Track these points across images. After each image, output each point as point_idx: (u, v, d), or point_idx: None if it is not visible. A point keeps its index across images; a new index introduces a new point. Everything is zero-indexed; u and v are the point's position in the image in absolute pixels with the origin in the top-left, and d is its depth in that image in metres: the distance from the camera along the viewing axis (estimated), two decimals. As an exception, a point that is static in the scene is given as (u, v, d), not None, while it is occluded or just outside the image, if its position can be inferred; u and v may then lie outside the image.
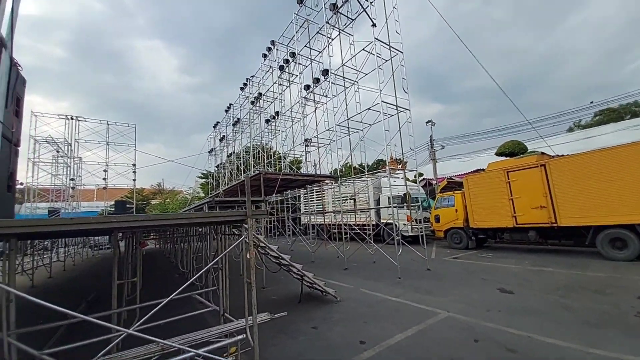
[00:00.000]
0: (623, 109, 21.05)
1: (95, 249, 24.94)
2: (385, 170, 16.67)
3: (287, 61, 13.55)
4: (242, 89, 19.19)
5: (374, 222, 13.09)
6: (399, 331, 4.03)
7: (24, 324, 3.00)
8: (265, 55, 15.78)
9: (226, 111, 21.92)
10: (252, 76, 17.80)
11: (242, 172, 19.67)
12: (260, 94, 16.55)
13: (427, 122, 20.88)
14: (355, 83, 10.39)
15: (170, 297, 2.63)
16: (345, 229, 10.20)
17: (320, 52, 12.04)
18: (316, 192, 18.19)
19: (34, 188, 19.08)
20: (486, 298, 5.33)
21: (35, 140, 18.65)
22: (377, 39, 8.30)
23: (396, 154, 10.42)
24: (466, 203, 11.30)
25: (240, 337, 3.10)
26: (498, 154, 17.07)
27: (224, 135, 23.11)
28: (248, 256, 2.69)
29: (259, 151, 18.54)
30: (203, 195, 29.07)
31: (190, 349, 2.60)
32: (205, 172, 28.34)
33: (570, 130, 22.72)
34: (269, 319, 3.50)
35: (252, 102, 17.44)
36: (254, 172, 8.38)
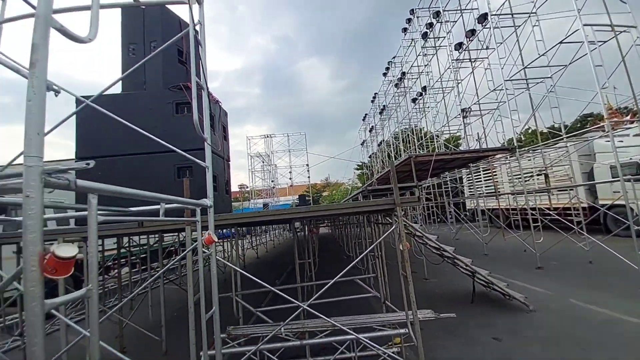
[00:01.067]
0: None
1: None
2: (602, 127, 11.36)
3: (430, 25, 11.91)
4: (384, 74, 18.87)
5: (585, 205, 9.18)
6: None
7: (249, 288, 4.24)
8: (405, 30, 14.66)
9: (372, 101, 22.34)
10: (394, 57, 17.07)
11: (394, 158, 19.45)
12: (403, 73, 15.59)
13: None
14: (532, 15, 7.59)
15: (334, 279, 2.85)
16: (534, 214, 7.71)
17: (473, -5, 9.69)
18: (483, 170, 15.09)
19: (254, 190, 27.33)
20: None
21: (250, 156, 26.69)
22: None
23: (617, 100, 6.75)
24: None
25: (402, 330, 2.96)
26: None
27: (372, 126, 23.73)
28: (400, 247, 2.47)
29: (408, 135, 17.64)
30: (360, 185, 31.37)
31: (353, 333, 2.73)
32: (360, 164, 30.32)
33: None
34: (434, 318, 3.12)
35: (396, 85, 16.74)
36: (404, 157, 7.91)
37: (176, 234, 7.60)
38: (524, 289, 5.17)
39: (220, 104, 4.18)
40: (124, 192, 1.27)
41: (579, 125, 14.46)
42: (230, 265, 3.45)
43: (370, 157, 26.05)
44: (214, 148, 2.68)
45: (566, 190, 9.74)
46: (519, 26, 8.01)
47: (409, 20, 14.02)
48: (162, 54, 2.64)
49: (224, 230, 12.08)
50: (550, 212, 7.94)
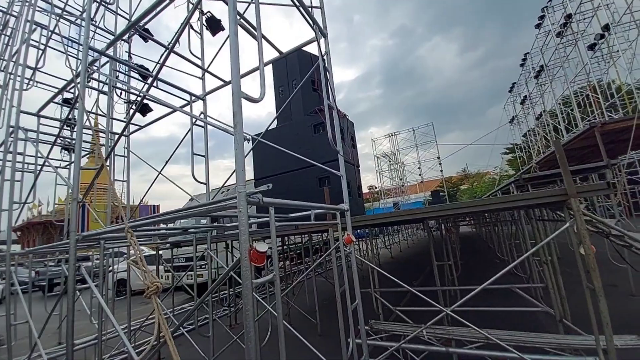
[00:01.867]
0: None
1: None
2: None
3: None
4: (537, 26, 14.71)
5: None
6: None
7: (386, 287, 4.40)
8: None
9: (521, 65, 17.84)
10: (549, 0, 13.07)
11: (566, 132, 14.60)
12: (569, 15, 11.62)
13: None
14: None
15: (484, 285, 2.54)
16: None
17: None
18: None
19: (383, 190, 27.52)
20: None
21: (376, 157, 27.13)
22: None
23: None
24: None
25: (590, 358, 2.26)
26: None
27: (525, 96, 18.89)
28: (581, 251, 1.91)
29: (587, 95, 12.91)
30: (513, 172, 25.39)
31: (516, 352, 2.33)
32: (511, 146, 24.65)
33: None
34: (639, 346, 2.19)
35: (558, 34, 12.67)
36: (583, 128, 5.59)
37: (321, 234, 8.78)
38: None
39: (347, 117, 4.60)
40: (289, 204, 1.69)
41: None
42: (367, 262, 3.69)
43: (525, 135, 20.76)
44: (346, 158, 3.01)
45: None
46: None
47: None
48: (301, 87, 3.27)
49: (359, 231, 12.82)
50: None
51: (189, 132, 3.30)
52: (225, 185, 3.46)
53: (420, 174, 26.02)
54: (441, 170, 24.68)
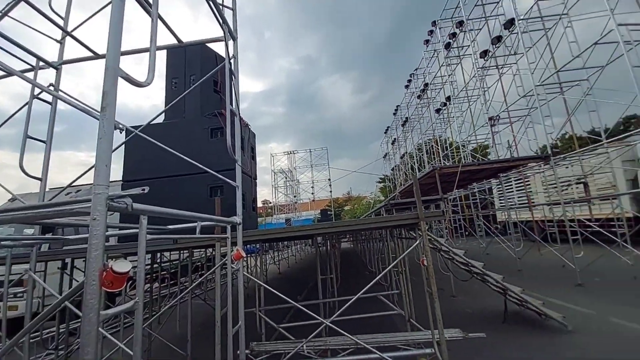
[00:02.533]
0: None
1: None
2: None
3: (453, 35, 11.88)
4: (406, 86, 18.88)
5: (629, 215, 8.40)
6: None
7: (271, 304, 4.32)
8: (427, 42, 14.71)
9: (394, 114, 22.30)
10: (416, 69, 17.09)
11: (418, 170, 19.04)
12: (426, 84, 15.53)
13: None
14: (563, 17, 7.36)
15: (357, 295, 2.86)
16: (572, 226, 7.16)
17: (499, 2, 9.58)
18: (515, 180, 14.31)
19: (277, 205, 27.78)
20: None
21: (274, 172, 27.36)
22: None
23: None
24: None
25: (428, 350, 2.88)
26: None
27: (395, 138, 23.59)
28: (425, 262, 2.45)
29: (432, 146, 17.31)
30: (383, 198, 30.85)
31: (377, 352, 2.69)
32: (383, 177, 29.99)
33: None
34: (462, 337, 3.00)
35: (419, 96, 16.66)
36: (428, 169, 7.64)
37: (204, 250, 7.90)
38: (561, 308, 4.79)
39: (249, 127, 4.45)
40: (169, 213, 1.43)
41: (621, 129, 13.44)
42: (255, 279, 3.56)
43: (392, 169, 25.75)
44: (244, 168, 2.86)
45: (609, 199, 9.00)
46: (550, 29, 7.80)
47: (430, 32, 14.07)
48: (200, 85, 2.94)
49: (248, 246, 12.29)
50: (591, 224, 7.35)
51: (26, 107, 2.40)
52: (73, 184, 2.64)
53: (312, 193, 27.91)
54: (330, 191, 27.26)
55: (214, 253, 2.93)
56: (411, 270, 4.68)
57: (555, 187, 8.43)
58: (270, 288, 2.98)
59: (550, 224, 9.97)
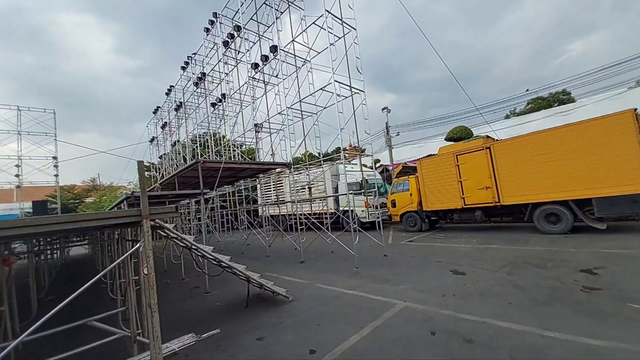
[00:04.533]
0: (552, 97, 23.50)
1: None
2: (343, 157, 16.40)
3: (232, 36, 12.17)
4: (183, 68, 17.13)
5: (332, 210, 12.77)
6: (354, 331, 3.61)
7: None
8: (207, 30, 14.09)
9: (167, 94, 19.56)
10: (194, 54, 15.91)
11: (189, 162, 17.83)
12: (203, 74, 14.86)
13: (382, 109, 21.05)
14: (307, 62, 9.65)
15: (20, 337, 1.74)
16: (301, 218, 9.63)
17: (268, 27, 10.94)
18: (274, 181, 17.28)
19: None
20: (440, 282, 5.24)
21: None
22: (328, 11, 7.59)
23: (352, 140, 10.04)
24: (420, 187, 11.51)
25: (148, 375, 2.35)
26: (447, 139, 17.88)
27: (165, 122, 20.73)
28: (145, 271, 1.93)
29: (207, 140, 16.91)
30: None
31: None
32: (149, 164, 25.39)
33: (507, 117, 24.83)
34: (194, 342, 2.78)
35: (196, 84, 15.65)
36: (191, 162, 7.19)
37: None
38: (288, 282, 6.10)
39: None
40: None
41: (334, 154, 20.18)
42: None
43: (161, 157, 22.42)
44: None
45: (322, 200, 13.06)
46: (299, 68, 9.93)
47: (212, 22, 13.65)
48: None
49: None
50: (311, 217, 10.20)
51: None
52: None
53: (18, 175, 18.02)
54: (56, 175, 18.99)
55: None
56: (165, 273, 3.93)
57: (294, 189, 10.97)
58: None
59: (291, 217, 12.85)
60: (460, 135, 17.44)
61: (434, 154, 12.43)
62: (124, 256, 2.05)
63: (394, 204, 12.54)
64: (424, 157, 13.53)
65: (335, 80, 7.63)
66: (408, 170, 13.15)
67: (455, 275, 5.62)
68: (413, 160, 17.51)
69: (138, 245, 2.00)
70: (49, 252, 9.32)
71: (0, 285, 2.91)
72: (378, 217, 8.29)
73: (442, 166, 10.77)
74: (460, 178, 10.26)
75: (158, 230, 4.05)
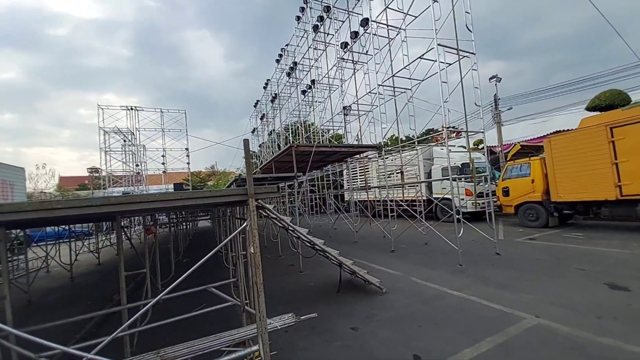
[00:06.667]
0: None
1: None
2: (438, 139, 14.58)
3: (321, 18, 12.07)
4: (277, 61, 18.30)
5: (425, 198, 11.58)
6: (467, 344, 3.00)
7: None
8: (298, 18, 14.46)
9: (264, 88, 21.43)
10: (287, 45, 16.69)
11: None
12: (295, 63, 15.46)
13: (490, 79, 17.61)
14: (402, 31, 8.65)
15: (160, 295, 2.01)
16: (391, 205, 9.01)
17: (359, 0, 10.32)
18: (360, 166, 16.99)
19: (111, 175, 21.38)
20: (590, 298, 3.92)
21: (104, 132, 20.67)
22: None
23: (454, 117, 8.65)
24: (547, 171, 9.11)
25: (254, 348, 2.46)
26: (590, 108, 13.53)
27: (264, 114, 22.88)
28: (251, 250, 1.94)
29: (297, 127, 17.83)
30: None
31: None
32: (250, 153, 28.95)
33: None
34: (294, 322, 2.80)
35: (288, 74, 16.49)
36: (286, 147, 7.62)
37: None
38: (380, 272, 5.76)
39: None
40: None
41: (426, 137, 18.34)
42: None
43: (260, 146, 25.14)
44: None
45: (414, 185, 11.99)
46: (392, 39, 9.02)
47: (302, 9, 13.89)
48: None
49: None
50: (402, 203, 9.44)
51: None
52: None
53: (163, 163, 23.36)
54: (188, 163, 23.69)
55: None
56: (267, 248, 4.24)
57: (383, 174, 10.35)
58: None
59: (377, 203, 12.35)
60: (611, 102, 12.93)
61: (567, 130, 9.59)
62: (233, 233, 2.18)
63: (506, 193, 10.40)
64: (552, 133, 10.63)
65: (439, 44, 6.53)
66: (528, 150, 10.61)
67: (612, 291, 4.14)
68: (530, 140, 14.10)
69: (245, 223, 2.02)
70: (182, 224, 11.72)
71: (144, 250, 3.65)
72: (489, 208, 6.93)
73: (585, 144, 8.17)
74: (615, 159, 7.57)
75: (260, 210, 4.33)
